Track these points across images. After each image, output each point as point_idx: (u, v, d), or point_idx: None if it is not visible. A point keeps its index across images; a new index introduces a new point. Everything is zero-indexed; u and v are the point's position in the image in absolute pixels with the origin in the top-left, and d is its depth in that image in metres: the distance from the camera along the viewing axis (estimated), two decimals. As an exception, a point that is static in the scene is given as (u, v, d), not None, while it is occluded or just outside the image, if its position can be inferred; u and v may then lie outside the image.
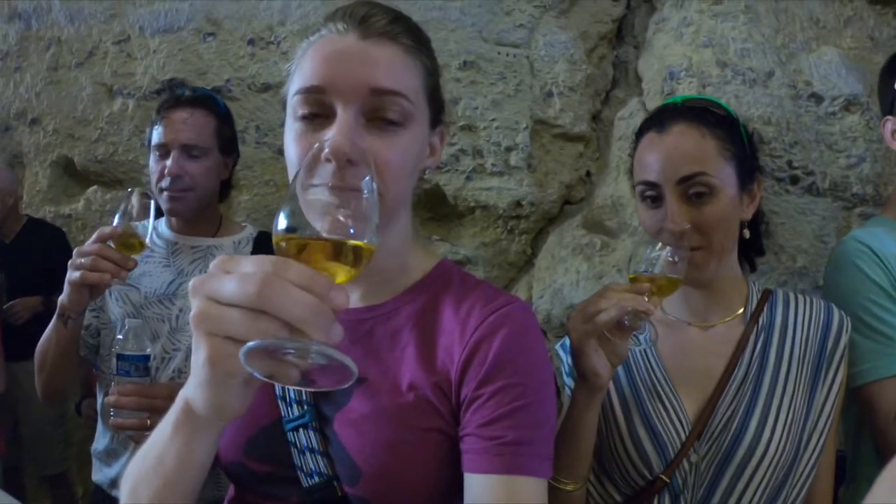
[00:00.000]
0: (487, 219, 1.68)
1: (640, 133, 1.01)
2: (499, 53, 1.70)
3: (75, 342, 1.28)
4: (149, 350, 1.27)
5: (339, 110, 0.64)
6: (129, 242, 1.17)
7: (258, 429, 0.73)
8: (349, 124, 0.63)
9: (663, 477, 0.91)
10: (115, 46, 2.12)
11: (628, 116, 1.69)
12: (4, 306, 2.25)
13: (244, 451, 0.73)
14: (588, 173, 1.72)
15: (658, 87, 1.65)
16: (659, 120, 0.98)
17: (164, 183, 1.36)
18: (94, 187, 2.06)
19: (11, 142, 2.47)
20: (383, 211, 0.61)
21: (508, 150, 1.65)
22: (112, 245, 1.16)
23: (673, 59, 1.63)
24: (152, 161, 1.39)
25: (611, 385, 0.98)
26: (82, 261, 1.12)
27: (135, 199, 1.18)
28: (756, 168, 1.01)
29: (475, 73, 1.68)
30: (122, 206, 1.18)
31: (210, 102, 1.43)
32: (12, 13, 2.64)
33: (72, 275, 1.14)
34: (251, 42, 1.83)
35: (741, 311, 1.00)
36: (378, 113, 0.65)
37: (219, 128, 1.42)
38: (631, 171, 1.04)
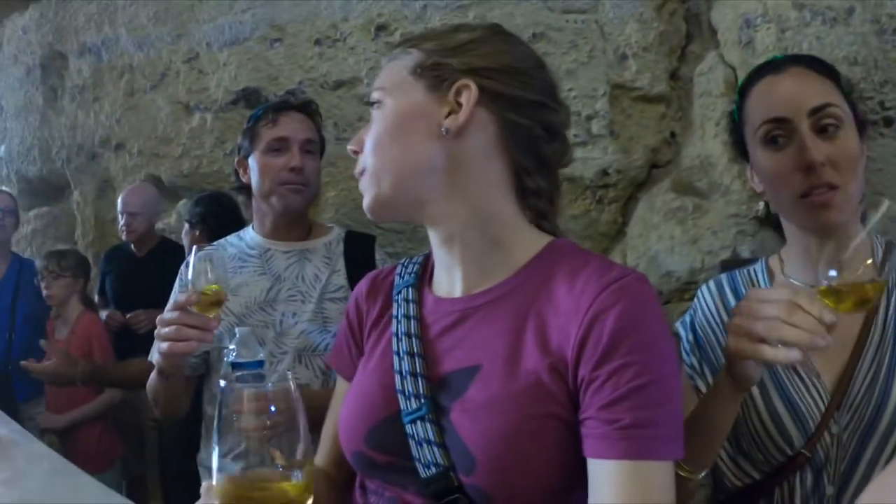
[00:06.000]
0: (575, 191, 1.66)
1: (747, 85, 0.97)
2: (567, 21, 1.66)
3: (181, 383, 1.33)
4: (262, 355, 1.30)
5: None
6: (208, 300, 1.12)
7: (378, 420, 0.75)
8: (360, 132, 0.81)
9: (805, 452, 0.86)
10: (186, 65, 2.20)
11: (707, 71, 1.63)
12: (129, 315, 2.37)
13: (365, 440, 0.76)
14: (672, 134, 1.66)
15: (735, 36, 1.58)
16: (770, 67, 0.95)
17: (285, 176, 1.40)
18: (184, 201, 2.15)
19: (100, 168, 2.60)
20: (377, 180, 0.76)
21: (589, 118, 1.62)
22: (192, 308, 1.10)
23: (747, 5, 1.56)
24: (263, 160, 1.42)
25: None
26: (166, 330, 1.11)
27: (199, 263, 1.11)
28: (863, 122, 0.96)
29: (546, 44, 1.65)
30: (187, 264, 1.12)
31: (315, 109, 1.52)
32: (82, 49, 2.78)
33: (160, 345, 1.13)
34: (317, 42, 1.86)
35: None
36: None
37: (321, 133, 1.51)
38: (732, 127, 0.99)
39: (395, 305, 0.82)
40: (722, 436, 0.83)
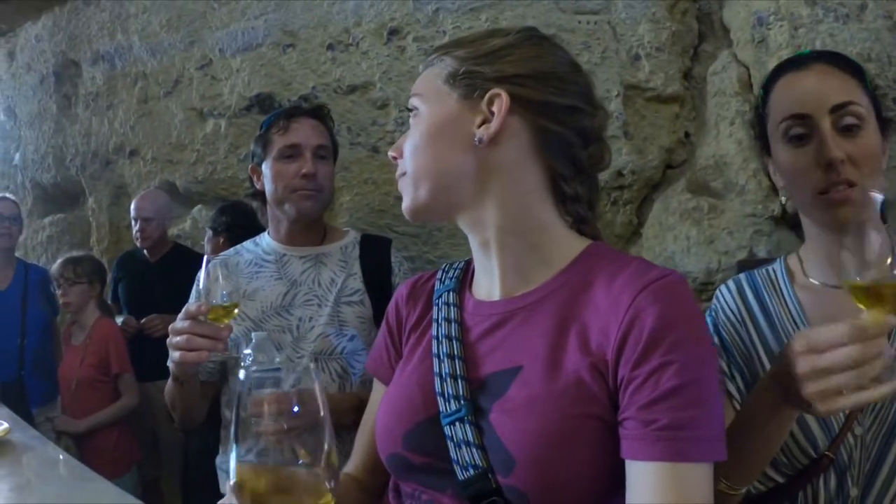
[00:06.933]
0: (589, 192, 1.65)
1: (771, 80, 0.96)
2: (579, 22, 1.66)
3: (197, 390, 1.34)
4: (278, 360, 1.31)
5: None
6: (220, 311, 1.13)
7: (417, 422, 0.75)
8: (400, 138, 0.83)
9: (828, 454, 0.85)
10: (199, 71, 2.21)
11: (721, 70, 1.62)
12: (144, 319, 2.38)
13: (403, 443, 0.75)
14: (687, 134, 1.66)
15: (748, 35, 1.57)
16: (795, 62, 0.95)
17: (298, 182, 1.40)
18: (199, 206, 2.16)
19: (114, 175, 2.63)
20: (414, 186, 0.78)
21: (603, 119, 1.62)
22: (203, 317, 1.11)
23: (759, 4, 1.55)
24: (276, 167, 1.42)
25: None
26: (178, 340, 1.12)
27: (214, 270, 1.12)
28: (885, 119, 0.95)
29: (558, 46, 1.65)
30: (201, 277, 1.13)
31: (327, 113, 1.52)
32: (95, 57, 2.81)
33: (172, 354, 1.15)
34: (330, 47, 1.87)
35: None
36: None
37: (334, 138, 1.52)
38: (757, 122, 0.99)
39: (434, 309, 0.83)
40: (774, 452, 0.81)
